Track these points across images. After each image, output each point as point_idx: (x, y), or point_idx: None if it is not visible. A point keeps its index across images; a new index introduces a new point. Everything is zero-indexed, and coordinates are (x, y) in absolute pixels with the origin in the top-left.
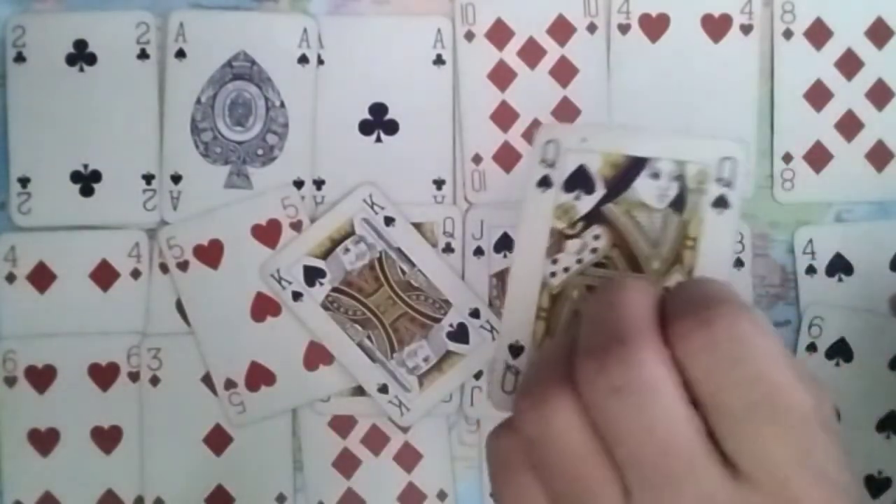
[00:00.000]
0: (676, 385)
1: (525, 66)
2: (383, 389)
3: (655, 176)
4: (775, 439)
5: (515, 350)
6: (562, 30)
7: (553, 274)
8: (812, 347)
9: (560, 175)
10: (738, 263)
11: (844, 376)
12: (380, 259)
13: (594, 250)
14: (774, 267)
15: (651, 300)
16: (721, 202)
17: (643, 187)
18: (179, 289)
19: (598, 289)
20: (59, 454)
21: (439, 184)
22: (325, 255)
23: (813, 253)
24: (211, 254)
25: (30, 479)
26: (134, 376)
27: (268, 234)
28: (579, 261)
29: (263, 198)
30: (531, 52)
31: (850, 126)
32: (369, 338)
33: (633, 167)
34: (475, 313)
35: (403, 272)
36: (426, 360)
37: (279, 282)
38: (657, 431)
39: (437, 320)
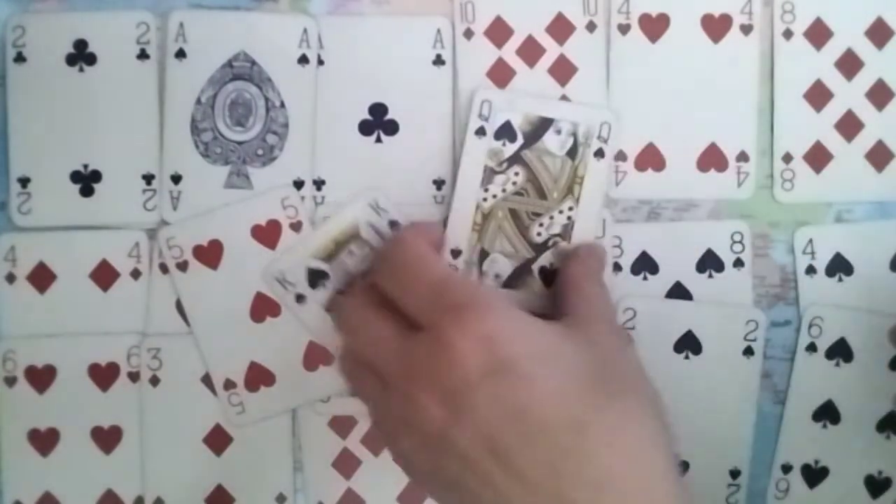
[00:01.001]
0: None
1: (524, 64)
2: None
3: (558, 132)
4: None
5: (455, 253)
6: (561, 28)
7: (485, 199)
8: (812, 347)
9: (492, 127)
10: (738, 263)
11: (844, 376)
12: None
13: (514, 183)
14: (774, 267)
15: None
16: (599, 153)
17: (549, 139)
18: (179, 289)
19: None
20: (59, 454)
21: (439, 184)
22: (328, 258)
23: (813, 253)
24: (210, 254)
25: (30, 479)
26: (134, 376)
27: (267, 234)
28: (504, 190)
29: (263, 198)
30: (530, 51)
31: (850, 126)
32: None
33: (543, 125)
34: None
35: None
36: None
37: (282, 284)
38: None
39: None
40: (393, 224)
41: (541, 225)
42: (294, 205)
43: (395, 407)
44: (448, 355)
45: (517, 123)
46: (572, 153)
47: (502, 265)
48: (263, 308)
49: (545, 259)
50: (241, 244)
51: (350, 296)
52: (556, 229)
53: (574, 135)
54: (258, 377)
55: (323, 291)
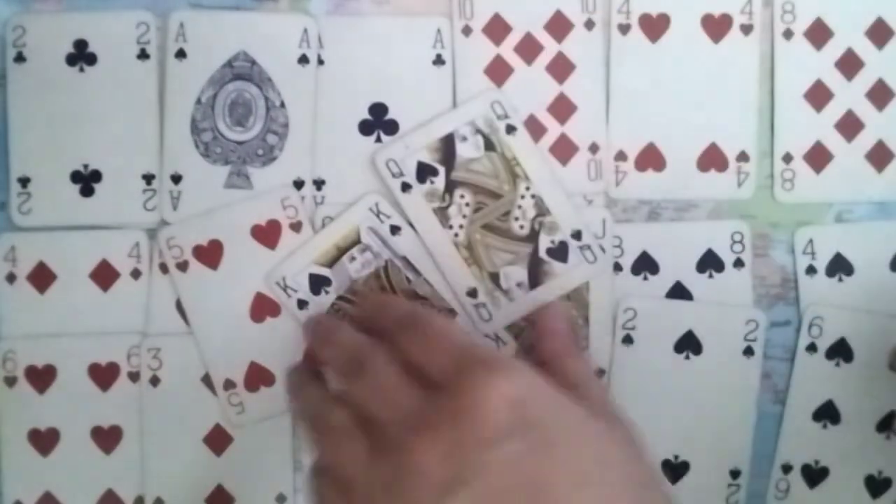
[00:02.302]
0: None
1: (522, 61)
2: None
3: (464, 139)
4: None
5: (472, 293)
6: (559, 26)
7: (456, 234)
8: (812, 347)
9: (409, 177)
10: (739, 263)
11: (844, 376)
12: (385, 268)
13: (468, 204)
14: (774, 267)
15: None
16: (510, 128)
17: (462, 150)
18: (179, 289)
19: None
20: (59, 454)
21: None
22: (330, 264)
23: (813, 253)
24: (210, 254)
25: (30, 479)
26: (134, 376)
27: (267, 234)
28: (464, 216)
29: (263, 198)
30: (528, 48)
31: (850, 126)
32: None
33: (447, 143)
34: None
35: (409, 280)
36: None
37: (284, 290)
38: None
39: None
40: (395, 229)
41: (516, 219)
42: (294, 205)
43: (383, 471)
44: (472, 409)
45: (427, 158)
46: (490, 145)
47: (515, 273)
48: (263, 308)
49: (545, 241)
50: (241, 244)
51: (375, 349)
52: (532, 212)
53: (478, 131)
54: (258, 377)
55: (325, 296)
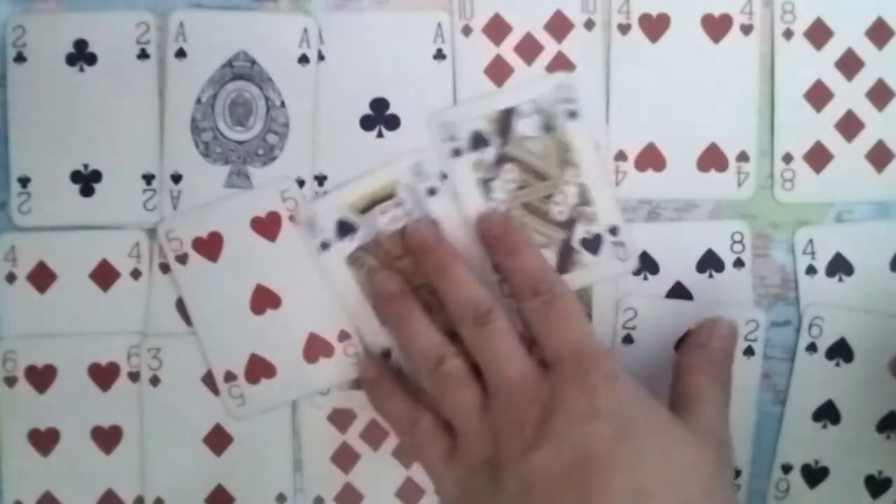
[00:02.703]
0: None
1: (522, 61)
2: (387, 354)
3: (524, 116)
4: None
5: (497, 267)
6: (559, 26)
7: (495, 209)
8: (812, 347)
9: (463, 143)
10: (739, 263)
11: (844, 376)
12: None
13: (513, 180)
14: (774, 267)
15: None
16: (572, 114)
17: (520, 126)
18: (178, 282)
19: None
20: (59, 454)
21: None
22: (362, 212)
23: (813, 253)
24: (210, 246)
25: (30, 479)
26: (134, 376)
27: (267, 226)
28: (507, 191)
29: (263, 190)
30: (528, 48)
31: (850, 126)
32: None
33: (506, 117)
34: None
35: None
36: None
37: (311, 228)
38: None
39: None
40: (431, 191)
41: (556, 203)
42: (294, 197)
43: (490, 422)
44: (578, 390)
45: (483, 128)
46: (548, 127)
47: (546, 257)
48: (264, 300)
49: (580, 231)
50: (241, 237)
51: (498, 310)
52: (574, 199)
53: (540, 110)
54: (259, 369)
55: (348, 243)
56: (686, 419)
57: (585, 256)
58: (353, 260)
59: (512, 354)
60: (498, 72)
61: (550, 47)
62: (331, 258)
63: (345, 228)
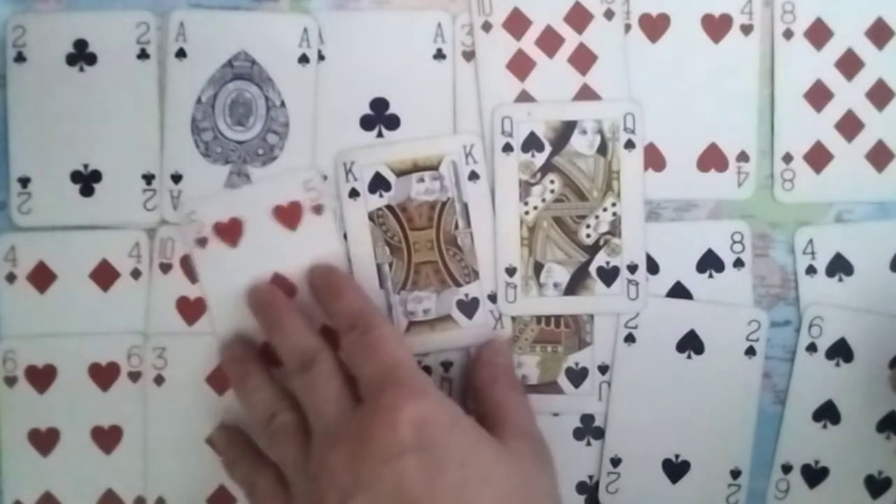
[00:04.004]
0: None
1: (543, 54)
2: None
3: (584, 132)
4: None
5: (510, 271)
6: (579, 17)
7: (526, 212)
8: (812, 347)
9: (517, 141)
10: (739, 263)
11: (844, 376)
12: (444, 204)
13: (552, 191)
14: (774, 267)
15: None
16: (630, 144)
17: (576, 141)
18: (197, 265)
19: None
20: (59, 454)
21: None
22: (400, 174)
23: (813, 253)
24: (231, 232)
25: (30, 479)
26: (134, 376)
27: (289, 215)
28: (543, 200)
29: (286, 179)
30: (549, 41)
31: (850, 126)
32: (390, 265)
33: (567, 128)
34: (493, 297)
35: (457, 226)
36: (426, 311)
37: (347, 173)
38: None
39: (458, 284)
40: (474, 175)
41: (588, 226)
42: (316, 188)
43: (313, 465)
44: (381, 421)
45: (541, 132)
46: (602, 150)
47: (559, 274)
48: (281, 288)
49: (601, 259)
50: (261, 224)
51: (322, 355)
52: (605, 227)
53: (600, 132)
54: (272, 357)
55: (378, 199)
56: (503, 429)
57: (598, 285)
58: (376, 216)
59: (332, 395)
60: (520, 66)
61: (571, 39)
62: (356, 207)
63: (379, 184)
